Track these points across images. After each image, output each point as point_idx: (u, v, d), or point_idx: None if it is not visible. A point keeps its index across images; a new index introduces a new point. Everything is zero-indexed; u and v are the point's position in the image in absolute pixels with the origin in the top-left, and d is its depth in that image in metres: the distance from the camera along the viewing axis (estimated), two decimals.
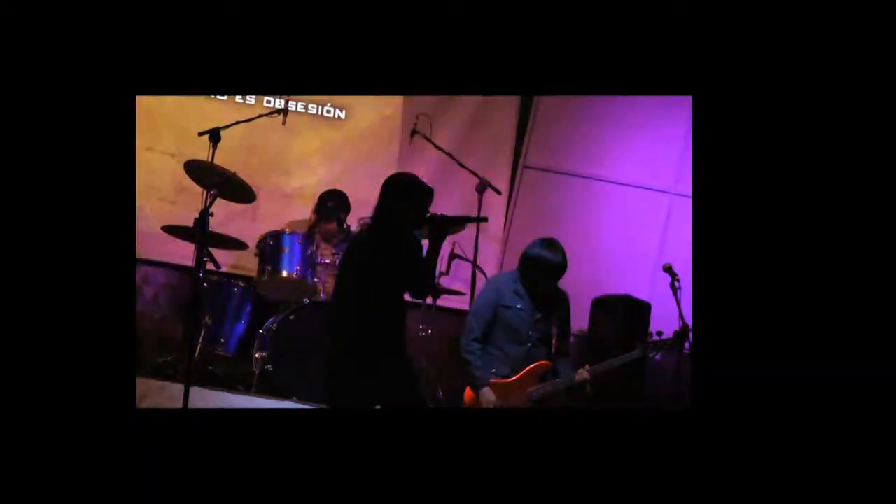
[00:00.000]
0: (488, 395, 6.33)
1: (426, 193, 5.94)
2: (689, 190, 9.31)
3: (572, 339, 7.83)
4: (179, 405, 6.04)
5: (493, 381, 6.37)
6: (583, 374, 6.45)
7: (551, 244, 6.47)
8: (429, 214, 5.88)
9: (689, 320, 6.45)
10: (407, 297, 6.00)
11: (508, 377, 6.39)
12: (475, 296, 7.18)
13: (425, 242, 5.96)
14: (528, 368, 6.40)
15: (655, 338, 6.72)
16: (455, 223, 6.15)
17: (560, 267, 6.41)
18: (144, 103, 8.30)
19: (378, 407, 6.23)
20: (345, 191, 8.39)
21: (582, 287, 8.62)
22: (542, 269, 6.40)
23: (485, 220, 6.56)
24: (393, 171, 6.74)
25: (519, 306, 6.46)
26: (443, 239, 6.01)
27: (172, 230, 7.56)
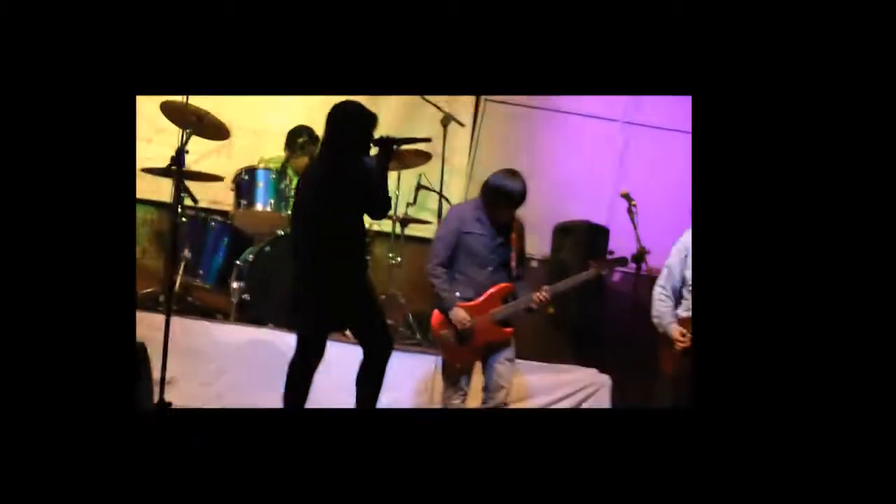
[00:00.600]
0: (460, 313, 6.39)
1: (369, 117, 6.08)
2: (643, 119, 9.64)
3: (536, 263, 7.90)
4: (160, 335, 6.09)
5: (458, 304, 6.42)
6: (543, 293, 6.47)
7: (512, 173, 6.49)
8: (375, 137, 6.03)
9: (645, 243, 6.59)
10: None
11: (472, 300, 6.44)
12: (439, 224, 7.15)
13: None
14: (491, 290, 6.45)
15: (609, 257, 6.84)
16: (400, 143, 6.16)
17: (520, 194, 6.42)
18: None
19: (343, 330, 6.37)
20: (314, 128, 8.26)
21: (544, 214, 8.91)
22: (504, 197, 6.41)
23: (429, 140, 6.54)
24: (361, 107, 6.74)
25: (480, 232, 6.48)
26: (389, 159, 6.15)
27: (151, 171, 7.54)
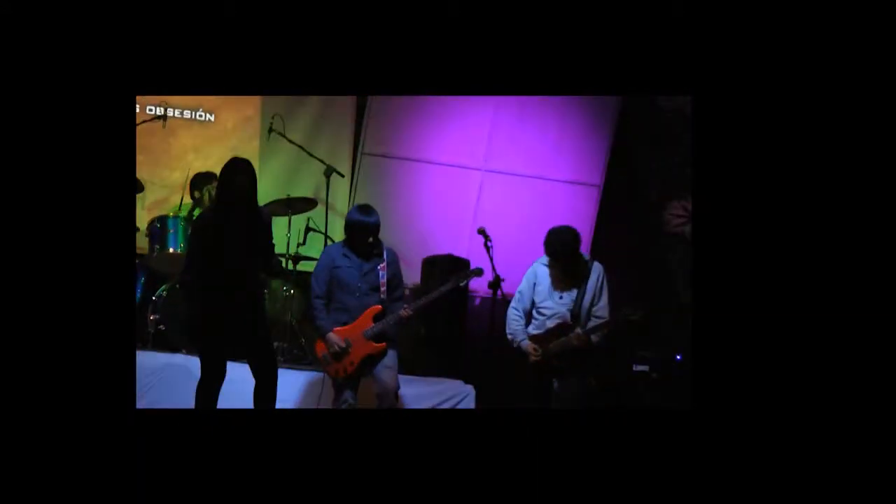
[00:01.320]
0: (333, 338, 6.66)
1: (253, 172, 6.27)
2: (496, 166, 9.83)
3: (408, 291, 8.10)
4: None
5: (335, 329, 6.69)
6: (406, 310, 6.79)
7: (364, 208, 6.79)
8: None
9: (499, 272, 6.84)
10: None
11: (348, 323, 6.72)
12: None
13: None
14: (362, 314, 6.71)
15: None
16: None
17: (371, 225, 6.68)
18: None
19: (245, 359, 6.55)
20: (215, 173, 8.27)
21: (414, 249, 9.09)
22: (358, 228, 6.70)
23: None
24: (256, 162, 6.97)
25: (348, 265, 6.75)
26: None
27: None
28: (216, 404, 6.28)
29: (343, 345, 6.64)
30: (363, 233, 6.70)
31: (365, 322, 6.72)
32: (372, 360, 6.73)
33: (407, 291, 7.91)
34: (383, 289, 6.77)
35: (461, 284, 7.20)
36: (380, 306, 6.75)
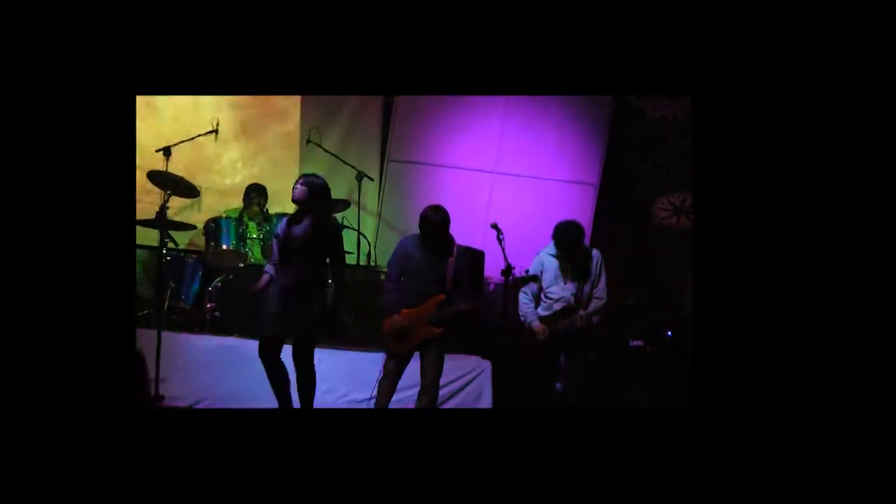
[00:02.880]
0: (398, 318, 6.69)
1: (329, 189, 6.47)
2: (505, 169, 9.75)
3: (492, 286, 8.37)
4: (154, 345, 6.48)
5: (404, 310, 6.71)
6: (467, 303, 6.81)
7: (436, 208, 6.76)
8: None
9: (510, 261, 6.78)
10: None
11: (414, 306, 6.72)
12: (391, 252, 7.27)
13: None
14: (428, 301, 6.70)
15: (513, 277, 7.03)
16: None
17: (436, 223, 6.68)
18: None
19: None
20: (263, 185, 8.66)
21: None
22: (426, 224, 6.71)
23: None
24: (295, 170, 6.95)
25: (417, 257, 6.78)
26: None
27: (141, 223, 7.54)
28: (281, 371, 6.39)
29: (406, 323, 6.68)
30: (430, 228, 6.72)
31: (429, 308, 6.73)
32: (427, 344, 6.77)
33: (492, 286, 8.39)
34: (449, 279, 6.79)
35: (521, 288, 7.20)
36: (444, 296, 6.76)
